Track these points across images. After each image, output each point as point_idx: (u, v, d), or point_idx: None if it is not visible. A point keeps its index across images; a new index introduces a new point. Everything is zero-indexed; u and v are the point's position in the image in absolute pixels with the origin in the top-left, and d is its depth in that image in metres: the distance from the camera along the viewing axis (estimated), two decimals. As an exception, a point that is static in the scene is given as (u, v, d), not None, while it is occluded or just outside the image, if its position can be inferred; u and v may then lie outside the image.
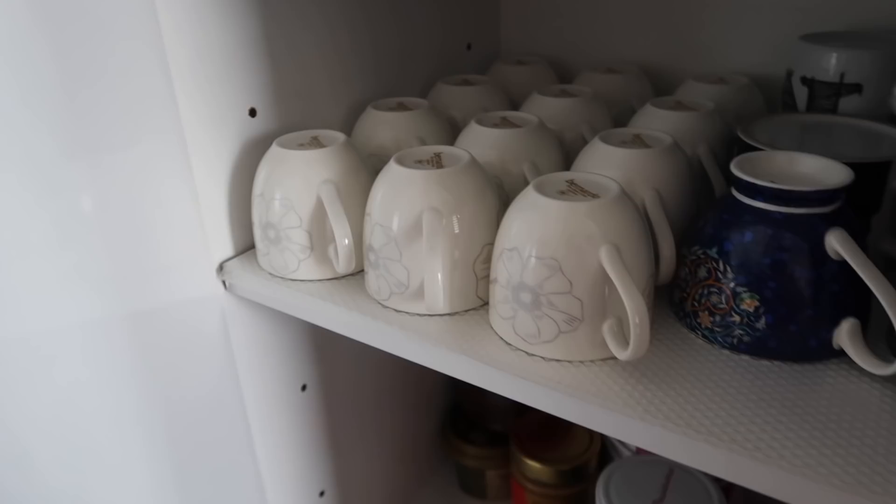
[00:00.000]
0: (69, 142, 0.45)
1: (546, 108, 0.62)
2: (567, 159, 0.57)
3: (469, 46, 0.79)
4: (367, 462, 0.80)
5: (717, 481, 0.65)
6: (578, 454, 0.75)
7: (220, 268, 0.55)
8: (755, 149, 0.49)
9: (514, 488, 0.79)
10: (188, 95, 0.50)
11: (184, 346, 0.55)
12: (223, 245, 0.56)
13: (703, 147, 0.55)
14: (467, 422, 0.89)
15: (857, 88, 0.55)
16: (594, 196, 0.42)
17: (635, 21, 0.75)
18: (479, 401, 0.87)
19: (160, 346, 0.54)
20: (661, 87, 0.74)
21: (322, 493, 0.73)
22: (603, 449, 0.78)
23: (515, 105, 0.70)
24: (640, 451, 0.73)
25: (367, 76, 0.66)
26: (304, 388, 0.67)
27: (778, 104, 0.65)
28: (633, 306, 0.38)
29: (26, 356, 0.46)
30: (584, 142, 0.61)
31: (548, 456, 0.75)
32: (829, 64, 0.56)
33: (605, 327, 0.41)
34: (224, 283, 0.56)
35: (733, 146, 0.57)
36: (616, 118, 0.65)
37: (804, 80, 0.58)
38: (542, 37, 0.81)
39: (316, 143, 0.53)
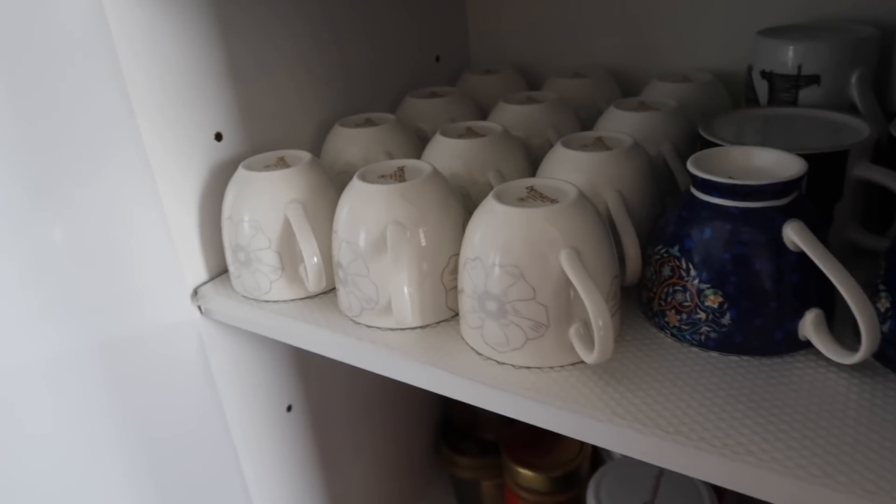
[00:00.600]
0: (33, 178, 0.45)
1: (512, 115, 0.63)
2: (534, 166, 0.57)
3: (438, 58, 0.79)
4: (360, 479, 0.79)
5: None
6: (570, 460, 0.75)
7: (195, 293, 0.56)
8: (716, 145, 0.49)
9: (509, 497, 0.79)
10: (151, 123, 0.50)
11: (162, 375, 0.55)
12: (196, 270, 0.56)
13: (667, 146, 0.55)
14: (459, 433, 0.88)
15: (815, 80, 0.56)
16: (553, 201, 0.42)
17: (600, 24, 0.75)
18: (469, 411, 0.87)
19: (138, 375, 0.54)
20: (628, 89, 0.74)
21: (314, 514, 0.73)
22: (595, 453, 0.77)
23: (486, 114, 0.71)
24: (629, 452, 0.73)
25: (336, 93, 0.66)
26: (289, 408, 0.67)
27: (741, 99, 0.66)
28: (595, 309, 0.38)
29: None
30: (551, 147, 0.61)
31: (539, 463, 0.75)
32: (787, 57, 0.57)
33: (572, 331, 0.41)
34: (199, 308, 0.56)
35: (696, 143, 0.57)
36: (584, 122, 0.66)
37: (763, 74, 0.58)
38: (510, 45, 0.82)
39: (282, 163, 0.54)
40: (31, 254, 0.46)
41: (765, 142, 0.48)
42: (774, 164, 0.43)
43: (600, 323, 0.38)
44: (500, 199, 0.43)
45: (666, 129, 0.56)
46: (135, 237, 0.51)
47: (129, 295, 0.52)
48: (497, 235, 0.41)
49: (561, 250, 0.40)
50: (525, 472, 0.75)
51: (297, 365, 0.67)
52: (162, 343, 0.55)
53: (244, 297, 0.54)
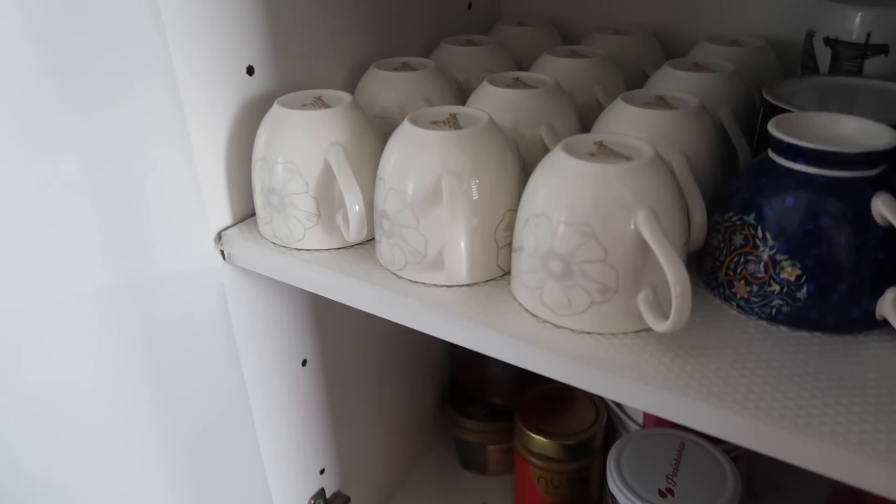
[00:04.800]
0: (55, 100, 0.41)
1: (557, 69, 0.59)
2: (581, 123, 0.54)
3: (470, 6, 0.75)
4: (365, 438, 0.78)
5: (727, 451, 0.64)
6: (584, 429, 0.74)
7: (219, 237, 0.52)
8: (784, 111, 0.47)
9: (518, 463, 0.78)
10: (183, 48, 0.46)
11: (181, 320, 0.52)
12: (221, 213, 0.52)
13: (726, 110, 0.53)
14: (466, 396, 0.87)
15: (883, 49, 0.53)
16: (627, 158, 0.39)
17: (643, -20, 0.72)
18: (478, 374, 0.85)
19: (155, 320, 0.51)
20: (670, 51, 0.71)
21: (322, 471, 0.71)
22: (608, 424, 0.76)
23: (520, 68, 0.67)
24: (647, 424, 0.72)
25: (367, 35, 0.62)
26: (304, 363, 0.64)
27: (794, 66, 0.63)
28: (675, 275, 0.35)
29: (11, 332, 0.43)
30: (598, 105, 0.58)
31: (553, 430, 0.74)
32: (854, 24, 0.54)
33: (641, 298, 0.39)
34: (223, 253, 0.52)
35: (755, 110, 0.54)
36: (627, 82, 0.63)
37: (827, 41, 0.56)
38: (543, -4, 0.78)
39: (320, 103, 0.50)
40: (50, 184, 0.42)
41: (823, 111, 0.46)
42: (858, 133, 0.41)
43: (679, 290, 0.35)
44: (571, 152, 0.40)
45: (723, 93, 0.54)
46: (158, 172, 0.48)
47: (149, 234, 0.49)
48: (568, 191, 0.38)
49: (638, 211, 0.37)
50: (538, 439, 0.73)
51: (315, 319, 0.64)
52: (181, 287, 0.52)
53: (274, 244, 0.51)
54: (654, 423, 0.70)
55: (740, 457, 0.70)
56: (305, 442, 0.68)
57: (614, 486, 0.61)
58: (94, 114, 0.43)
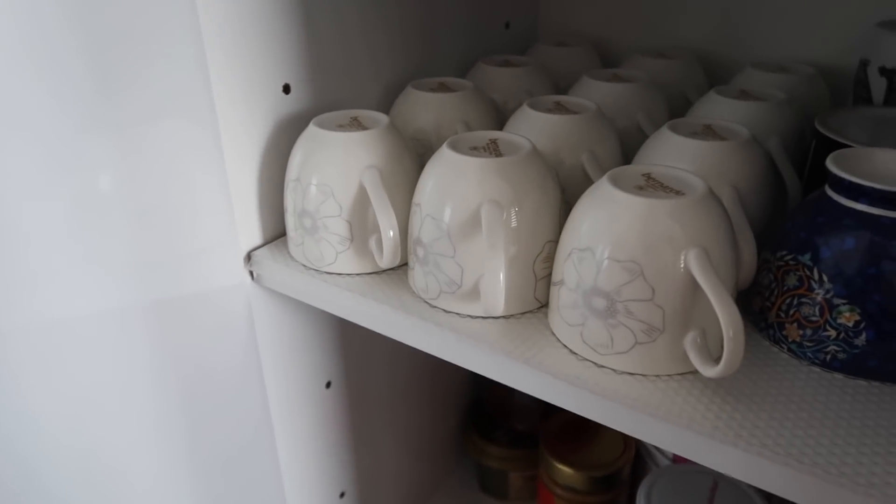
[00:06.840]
0: (90, 114, 0.40)
1: (597, 93, 0.58)
2: (622, 150, 0.53)
3: (507, 25, 0.74)
4: (386, 461, 0.76)
5: (765, 494, 0.62)
6: (612, 460, 0.71)
7: (248, 257, 0.51)
8: (839, 144, 0.45)
9: (541, 492, 0.76)
10: (220, 65, 0.45)
11: (207, 339, 0.51)
12: (251, 232, 0.51)
13: (775, 141, 0.51)
14: (491, 420, 0.85)
15: (943, 82, 0.51)
16: (677, 192, 0.38)
17: (685, 2, 0.70)
18: (503, 399, 0.83)
19: (182, 338, 0.50)
20: (713, 75, 0.69)
21: (342, 495, 0.69)
22: (636, 456, 0.74)
23: (559, 89, 0.66)
24: (678, 459, 0.69)
25: (403, 54, 0.61)
26: (328, 384, 0.63)
27: (843, 96, 0.61)
28: (728, 318, 0.34)
29: (42, 346, 0.42)
30: (639, 130, 0.57)
31: (580, 461, 0.72)
32: (912, 54, 0.52)
33: (688, 340, 0.37)
34: (252, 273, 0.51)
35: (804, 141, 0.53)
36: (669, 108, 0.61)
37: (883, 71, 0.54)
38: (583, 17, 0.77)
39: (356, 124, 0.49)
40: (81, 200, 0.42)
41: (875, 144, 0.44)
42: (923, 171, 0.39)
43: (731, 333, 0.34)
44: (618, 185, 0.38)
45: (773, 123, 0.52)
46: (190, 190, 0.47)
47: (179, 252, 0.48)
48: (615, 226, 0.37)
49: (690, 250, 0.35)
50: (564, 469, 0.71)
51: (340, 341, 0.63)
52: (208, 306, 0.51)
53: (304, 266, 0.49)
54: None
55: (774, 496, 0.67)
56: (326, 465, 0.66)
57: (645, 525, 0.59)
58: (130, 130, 0.42)
